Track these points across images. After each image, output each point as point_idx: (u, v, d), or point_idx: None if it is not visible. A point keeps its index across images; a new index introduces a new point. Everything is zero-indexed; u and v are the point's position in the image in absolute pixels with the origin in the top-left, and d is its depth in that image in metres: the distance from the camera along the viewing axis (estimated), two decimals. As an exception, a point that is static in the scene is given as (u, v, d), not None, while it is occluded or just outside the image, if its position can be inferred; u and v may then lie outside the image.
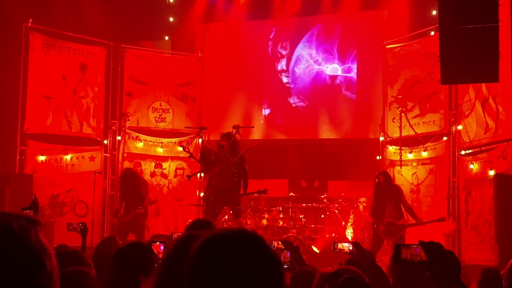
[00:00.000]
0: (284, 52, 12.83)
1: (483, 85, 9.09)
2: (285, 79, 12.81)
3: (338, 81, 12.39)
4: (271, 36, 12.93)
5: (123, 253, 3.11)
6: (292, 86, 12.71)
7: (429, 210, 10.38)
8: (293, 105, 12.67)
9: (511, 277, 2.81)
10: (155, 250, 3.40)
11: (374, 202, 8.65)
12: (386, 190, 8.54)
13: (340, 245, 3.78)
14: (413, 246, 2.04)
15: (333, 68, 12.39)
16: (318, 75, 12.50)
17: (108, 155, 11.85)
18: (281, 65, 12.84)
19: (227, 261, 1.31)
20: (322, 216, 11.14)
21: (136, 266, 3.02)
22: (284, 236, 10.17)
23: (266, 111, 12.87)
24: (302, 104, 12.61)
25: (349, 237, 10.02)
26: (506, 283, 2.82)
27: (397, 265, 3.32)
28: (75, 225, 4.84)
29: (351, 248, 3.76)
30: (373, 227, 8.71)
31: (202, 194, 11.53)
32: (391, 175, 10.86)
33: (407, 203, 8.78)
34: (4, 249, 1.16)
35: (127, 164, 11.61)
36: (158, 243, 3.54)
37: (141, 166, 12.01)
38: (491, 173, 8.88)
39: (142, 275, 3.00)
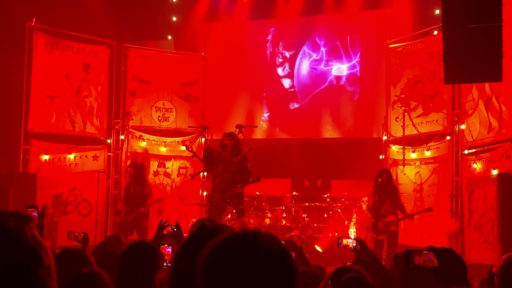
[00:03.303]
0: (287, 52, 12.83)
1: (486, 85, 9.08)
2: (287, 81, 12.79)
3: (341, 81, 12.39)
4: (269, 37, 12.92)
5: (128, 254, 3.13)
6: (296, 85, 12.70)
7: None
8: (291, 108, 12.67)
9: (504, 275, 2.81)
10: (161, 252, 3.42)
11: (375, 198, 8.74)
12: (388, 187, 8.72)
13: (344, 241, 3.81)
14: (425, 252, 2.03)
15: (336, 68, 12.39)
16: (321, 75, 12.49)
17: (111, 154, 11.87)
18: (285, 65, 12.84)
19: (240, 272, 1.25)
20: (325, 215, 11.15)
21: (142, 266, 3.05)
22: (287, 235, 10.18)
23: (265, 115, 12.87)
24: (304, 105, 12.60)
25: (352, 237, 10.03)
26: (499, 280, 2.82)
27: (408, 271, 3.31)
28: (77, 234, 4.80)
29: (354, 244, 3.79)
30: (371, 225, 8.79)
31: (205, 193, 11.56)
32: (394, 174, 10.90)
33: (401, 201, 9.06)
34: (2, 248, 1.17)
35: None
36: (166, 245, 3.54)
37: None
38: (494, 172, 8.87)
39: (149, 274, 3.02)
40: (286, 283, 1.29)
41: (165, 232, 4.34)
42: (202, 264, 1.30)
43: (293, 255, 3.69)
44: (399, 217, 8.85)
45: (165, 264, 3.35)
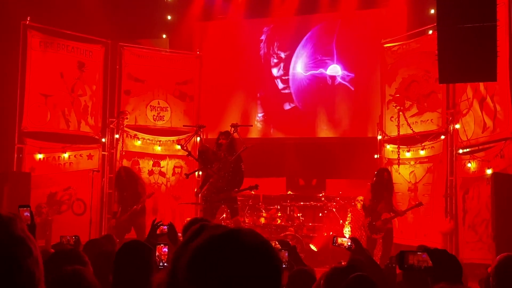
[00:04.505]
0: (282, 53, 12.82)
1: (481, 84, 9.10)
2: (282, 82, 12.79)
3: (336, 80, 12.40)
4: (263, 38, 12.91)
5: (122, 254, 3.12)
6: (291, 86, 12.71)
7: (427, 209, 10.39)
8: (286, 108, 12.66)
9: (499, 275, 2.82)
10: (158, 252, 3.41)
11: (373, 197, 8.71)
12: (388, 187, 8.71)
13: (339, 240, 3.82)
14: (419, 252, 2.04)
15: (331, 68, 12.40)
16: (316, 75, 12.50)
17: (106, 153, 11.85)
18: (280, 65, 12.83)
19: (223, 271, 1.23)
20: (320, 214, 11.16)
21: (137, 265, 3.04)
22: (282, 234, 10.19)
23: (260, 115, 12.87)
24: (298, 106, 12.61)
25: (347, 236, 10.03)
26: (494, 281, 2.83)
27: (404, 272, 3.31)
28: (68, 238, 4.78)
29: (349, 243, 3.79)
30: (367, 223, 8.78)
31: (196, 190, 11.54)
32: (389, 173, 10.91)
33: (394, 202, 9.06)
34: None
35: (125, 163, 11.61)
36: (162, 245, 3.53)
37: (139, 165, 12.01)
38: (489, 172, 8.89)
39: (144, 273, 3.02)
40: (270, 275, 1.28)
41: (158, 232, 4.34)
42: (185, 267, 1.27)
43: (286, 254, 3.68)
44: (392, 215, 8.85)
45: (161, 264, 3.34)
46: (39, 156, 10.99)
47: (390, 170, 10.91)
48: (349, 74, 12.32)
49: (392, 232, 8.73)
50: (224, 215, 10.48)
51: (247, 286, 1.23)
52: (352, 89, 12.32)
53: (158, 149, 12.27)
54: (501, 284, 2.81)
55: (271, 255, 1.30)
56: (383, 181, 8.70)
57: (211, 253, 1.26)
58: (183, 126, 11.83)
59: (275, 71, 12.87)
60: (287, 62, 12.74)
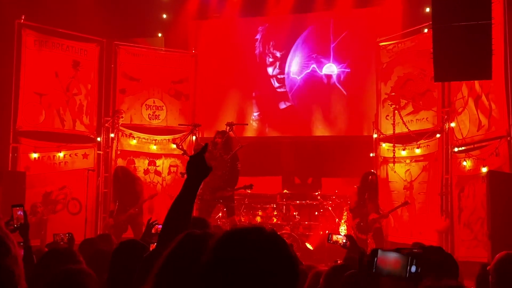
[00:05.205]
0: (278, 52, 12.81)
1: (476, 83, 9.11)
2: (277, 81, 12.78)
3: (331, 79, 12.40)
4: (258, 37, 12.89)
5: (119, 253, 3.11)
6: (286, 85, 12.70)
7: (422, 207, 10.43)
8: (281, 107, 12.65)
9: (498, 273, 2.83)
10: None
11: (359, 199, 8.83)
12: (374, 189, 8.86)
13: (334, 237, 3.85)
14: (414, 250, 2.04)
15: (327, 67, 12.39)
16: (312, 74, 12.49)
17: (101, 152, 11.81)
18: (275, 64, 12.81)
19: (246, 261, 1.28)
20: (316, 213, 11.17)
21: (134, 265, 3.03)
22: (278, 233, 10.18)
23: (255, 114, 12.85)
24: (294, 104, 12.60)
25: (343, 234, 10.04)
26: (493, 279, 2.84)
27: None
28: (62, 236, 4.76)
29: (344, 240, 3.81)
30: (356, 224, 8.86)
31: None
32: (385, 172, 10.96)
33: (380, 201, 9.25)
34: None
35: (120, 162, 11.58)
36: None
37: (135, 164, 11.98)
38: (484, 170, 8.91)
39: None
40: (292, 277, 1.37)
41: (153, 231, 4.35)
42: (207, 265, 1.33)
43: None
44: (379, 215, 8.94)
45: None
46: (34, 155, 10.95)
47: (385, 168, 10.98)
48: (344, 72, 12.31)
49: (381, 231, 8.87)
50: (220, 214, 10.48)
51: (272, 282, 1.25)
52: (348, 87, 12.30)
53: (153, 148, 12.24)
54: (501, 281, 2.82)
55: (291, 255, 1.40)
56: (369, 184, 8.84)
57: (236, 249, 1.33)
58: (179, 125, 11.81)
59: (270, 70, 12.86)
60: (282, 61, 12.73)
